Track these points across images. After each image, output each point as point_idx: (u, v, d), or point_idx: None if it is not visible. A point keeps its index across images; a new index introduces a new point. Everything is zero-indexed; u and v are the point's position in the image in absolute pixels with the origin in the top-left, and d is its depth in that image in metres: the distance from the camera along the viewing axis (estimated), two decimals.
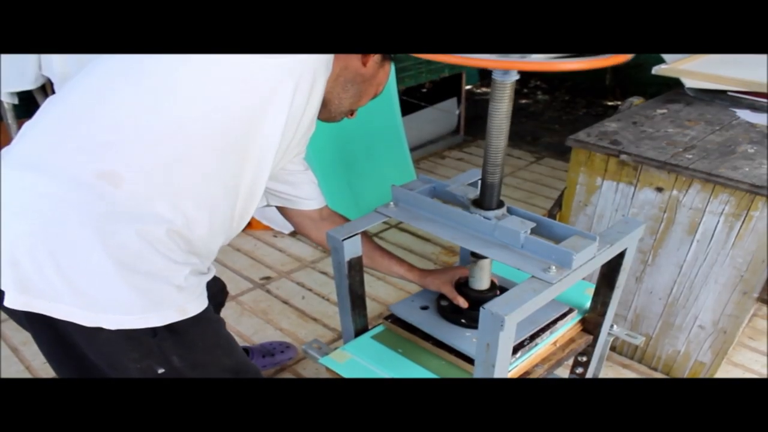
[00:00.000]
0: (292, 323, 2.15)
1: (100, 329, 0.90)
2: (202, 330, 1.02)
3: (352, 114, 1.26)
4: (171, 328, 0.95)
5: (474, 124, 4.05)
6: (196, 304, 0.98)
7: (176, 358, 0.99)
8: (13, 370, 1.92)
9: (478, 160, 3.59)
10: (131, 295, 0.89)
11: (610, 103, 4.62)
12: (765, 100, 1.86)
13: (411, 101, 3.46)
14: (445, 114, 3.70)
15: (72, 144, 0.91)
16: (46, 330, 0.94)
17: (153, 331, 0.94)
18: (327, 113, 1.21)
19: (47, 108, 0.98)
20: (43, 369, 1.92)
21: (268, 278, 2.42)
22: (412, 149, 3.22)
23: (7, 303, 0.89)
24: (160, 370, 0.98)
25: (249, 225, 2.43)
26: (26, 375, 1.90)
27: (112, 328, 0.90)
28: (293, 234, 2.73)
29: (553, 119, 4.37)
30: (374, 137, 2.85)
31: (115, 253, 0.88)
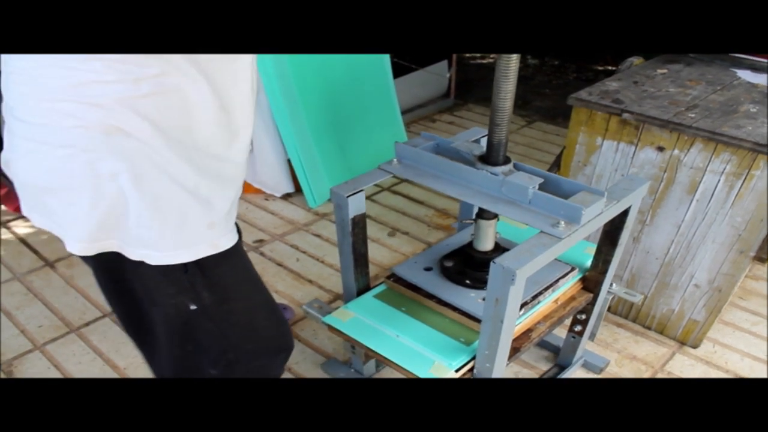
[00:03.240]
0: (288, 285, 2.14)
1: (142, 263, 0.93)
2: (233, 264, 1.03)
3: None
4: (201, 264, 0.96)
5: (464, 87, 4.01)
6: (227, 238, 0.98)
7: (206, 293, 1.00)
8: (8, 334, 1.90)
9: (469, 123, 3.57)
10: (163, 231, 0.91)
11: (600, 68, 4.60)
12: (766, 60, 1.86)
13: (402, 63, 3.41)
14: (435, 77, 3.65)
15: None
16: (103, 263, 0.98)
17: (184, 267, 0.95)
18: None
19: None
20: (38, 333, 1.90)
21: (261, 241, 2.40)
22: (403, 112, 3.19)
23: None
24: (192, 306, 1.00)
25: None
26: (21, 339, 1.88)
27: (151, 263, 0.93)
28: (285, 197, 2.71)
29: (543, 84, 4.34)
30: (366, 100, 2.81)
31: (144, 191, 0.88)
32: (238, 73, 0.94)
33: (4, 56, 0.87)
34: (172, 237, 0.92)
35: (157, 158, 0.87)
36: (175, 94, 0.85)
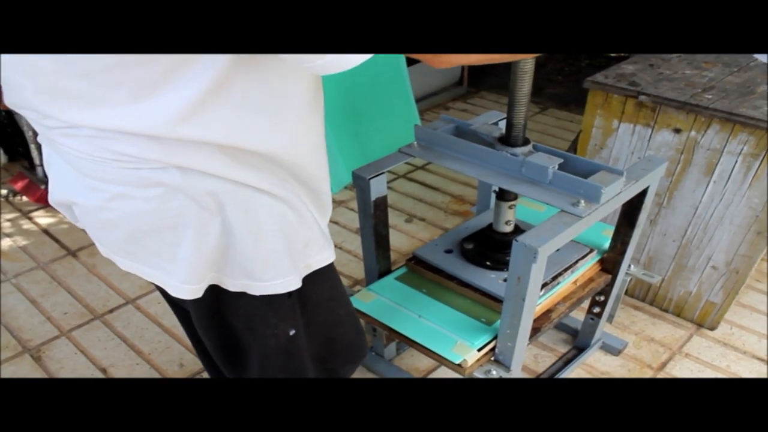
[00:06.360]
0: None
1: (243, 294, 0.89)
2: (321, 282, 0.99)
3: None
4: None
5: (477, 75, 4.01)
6: (321, 257, 0.94)
7: (300, 314, 0.97)
8: (35, 320, 1.94)
9: (482, 110, 3.58)
10: (269, 260, 0.86)
11: (613, 54, 4.58)
12: None
13: None
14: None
15: None
16: (199, 299, 0.90)
17: (288, 293, 0.92)
18: None
19: None
20: (64, 319, 1.94)
21: None
22: (416, 101, 3.20)
23: None
24: (292, 332, 0.97)
25: None
26: (48, 325, 1.92)
27: (255, 293, 0.89)
28: None
29: (556, 70, 4.33)
30: (381, 88, 2.83)
31: (250, 221, 0.83)
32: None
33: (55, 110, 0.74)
34: (278, 265, 0.87)
35: (255, 181, 0.81)
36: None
